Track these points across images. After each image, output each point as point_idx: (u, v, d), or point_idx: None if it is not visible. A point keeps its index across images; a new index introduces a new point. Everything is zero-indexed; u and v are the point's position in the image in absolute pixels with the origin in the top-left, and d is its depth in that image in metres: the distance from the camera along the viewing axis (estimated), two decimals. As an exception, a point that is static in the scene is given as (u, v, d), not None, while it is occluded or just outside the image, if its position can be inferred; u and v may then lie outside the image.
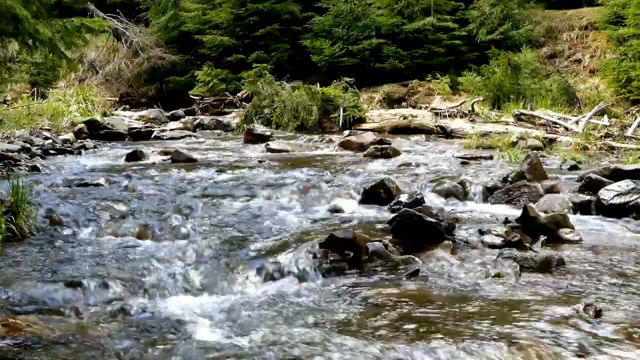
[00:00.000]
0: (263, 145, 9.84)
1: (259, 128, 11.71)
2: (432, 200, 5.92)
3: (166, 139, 11.34)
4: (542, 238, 4.56)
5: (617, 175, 5.98)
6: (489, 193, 6.17)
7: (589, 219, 5.35)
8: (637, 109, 12.10)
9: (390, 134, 11.51)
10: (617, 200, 5.42)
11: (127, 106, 18.07)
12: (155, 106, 16.59)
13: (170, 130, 12.36)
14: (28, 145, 8.79)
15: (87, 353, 2.81)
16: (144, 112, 15.16)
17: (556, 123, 10.74)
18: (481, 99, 13.21)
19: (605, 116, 10.68)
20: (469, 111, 12.58)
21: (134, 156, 8.51)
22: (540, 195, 5.84)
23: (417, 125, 11.88)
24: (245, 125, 12.13)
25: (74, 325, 3.09)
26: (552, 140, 9.68)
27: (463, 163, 7.97)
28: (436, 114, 12.56)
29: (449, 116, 12.41)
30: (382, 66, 16.31)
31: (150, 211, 5.26)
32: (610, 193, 5.50)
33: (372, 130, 11.60)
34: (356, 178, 6.85)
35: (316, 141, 10.52)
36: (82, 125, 11.16)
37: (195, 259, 4.12)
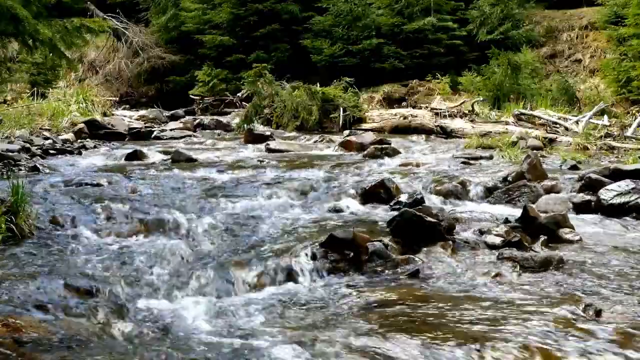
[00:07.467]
0: (263, 145, 9.84)
1: (259, 128, 11.72)
2: (432, 200, 5.93)
3: (166, 139, 11.33)
4: (542, 238, 4.56)
5: (617, 175, 5.99)
6: (489, 193, 6.17)
7: (589, 219, 5.35)
8: (637, 109, 12.07)
9: (390, 134, 11.49)
10: (617, 200, 5.43)
11: (127, 106, 18.08)
12: (155, 106, 16.62)
13: (170, 130, 12.35)
14: (28, 145, 8.79)
15: (87, 353, 2.81)
16: (144, 112, 15.17)
17: (556, 123, 10.74)
18: (481, 99, 13.21)
19: (605, 116, 10.67)
20: (469, 111, 12.58)
21: (134, 156, 8.50)
22: (540, 195, 5.85)
23: (417, 125, 11.86)
24: (245, 125, 12.12)
25: (74, 325, 3.09)
26: (552, 140, 9.69)
27: (463, 163, 7.97)
28: (436, 114, 12.55)
29: (449, 116, 12.40)
30: (382, 66, 16.32)
31: (150, 211, 5.26)
32: (610, 193, 5.51)
33: (372, 130, 11.59)
34: (356, 178, 6.85)
35: (316, 141, 10.52)
36: (82, 125, 11.16)
37: (195, 259, 4.12)
